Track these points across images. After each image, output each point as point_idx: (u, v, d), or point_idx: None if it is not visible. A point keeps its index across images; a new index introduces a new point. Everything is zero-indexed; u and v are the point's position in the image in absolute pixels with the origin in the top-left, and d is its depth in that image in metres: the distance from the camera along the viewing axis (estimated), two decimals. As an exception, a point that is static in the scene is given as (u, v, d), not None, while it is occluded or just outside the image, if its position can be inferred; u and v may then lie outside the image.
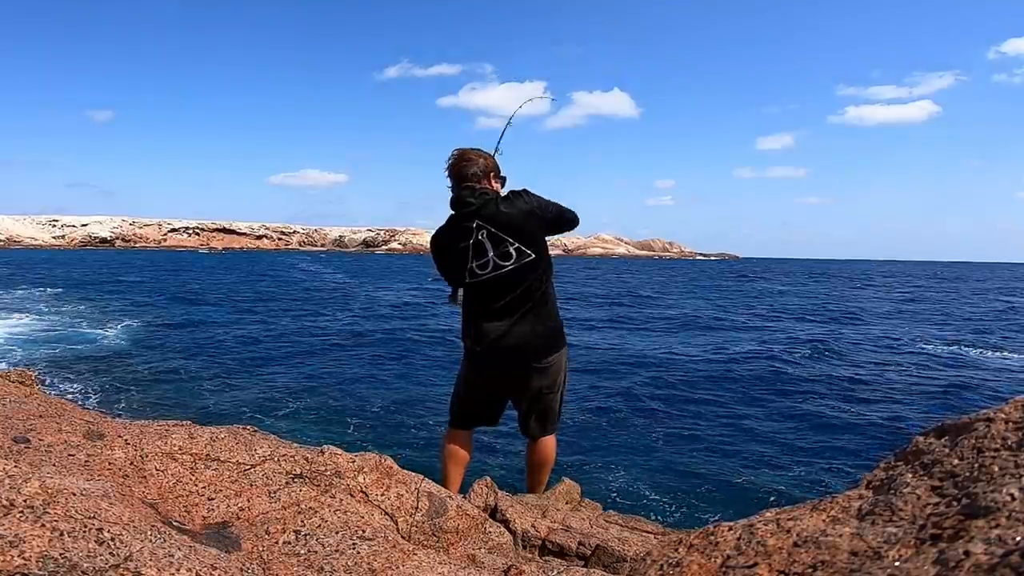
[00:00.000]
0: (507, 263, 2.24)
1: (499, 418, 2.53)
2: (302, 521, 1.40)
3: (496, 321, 2.27)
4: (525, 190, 2.34)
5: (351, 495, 1.59)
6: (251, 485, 1.49)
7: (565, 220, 2.39)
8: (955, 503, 0.71)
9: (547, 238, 2.36)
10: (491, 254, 2.24)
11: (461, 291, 2.36)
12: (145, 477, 1.41)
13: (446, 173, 2.36)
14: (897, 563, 0.66)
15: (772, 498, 4.69)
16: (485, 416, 2.49)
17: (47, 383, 7.38)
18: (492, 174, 2.36)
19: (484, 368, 2.37)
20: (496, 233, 2.24)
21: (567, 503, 2.37)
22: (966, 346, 13.17)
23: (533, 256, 2.27)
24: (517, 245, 2.24)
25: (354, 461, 1.71)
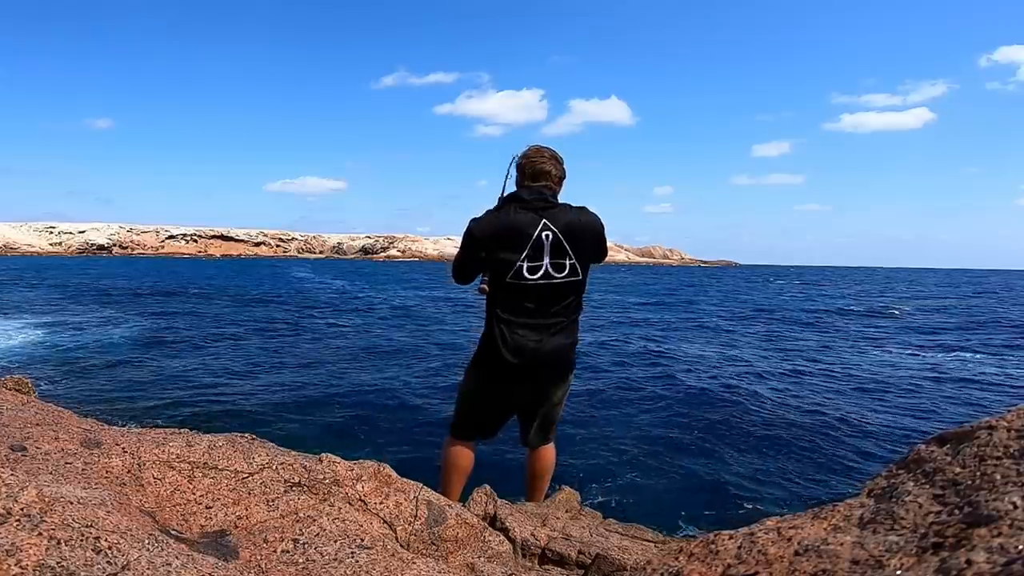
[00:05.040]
0: (559, 275, 2.13)
1: (498, 432, 2.44)
2: (300, 530, 1.39)
3: (533, 332, 2.15)
4: (590, 210, 2.23)
5: (350, 503, 1.58)
6: (249, 493, 1.48)
7: (603, 252, 2.29)
8: (957, 511, 0.71)
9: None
10: (547, 260, 2.10)
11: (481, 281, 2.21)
12: (143, 485, 1.40)
13: (517, 164, 2.22)
14: (899, 572, 0.66)
15: (773, 506, 4.67)
16: (489, 429, 2.40)
17: (44, 390, 7.35)
18: (563, 181, 2.26)
19: (509, 382, 2.23)
20: (560, 241, 2.11)
21: (567, 511, 2.36)
22: (968, 353, 13.18)
23: (580, 278, 2.18)
24: (574, 261, 2.13)
25: (352, 469, 1.71)
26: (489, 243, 2.12)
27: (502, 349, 2.17)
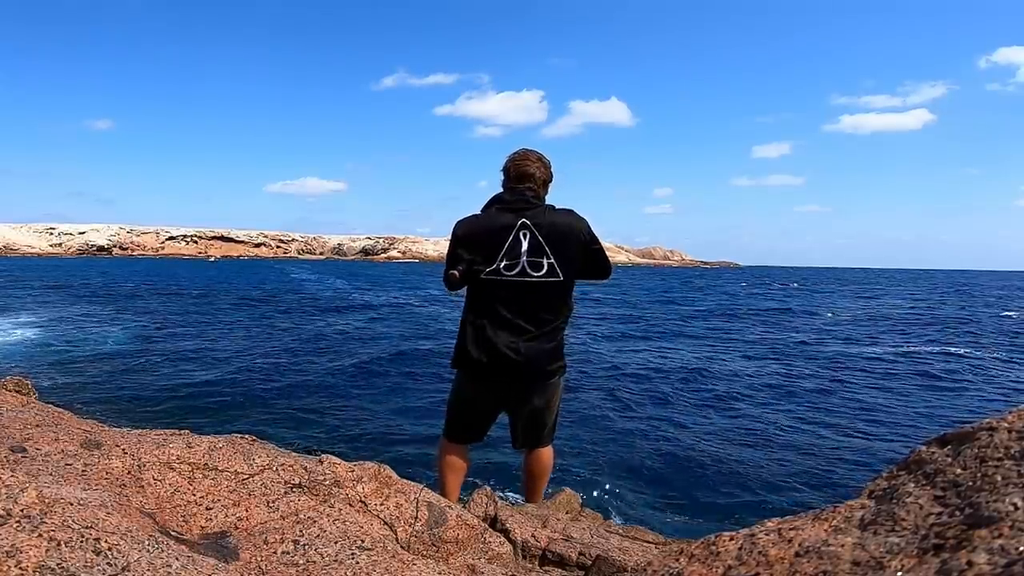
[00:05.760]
0: (536, 273, 2.12)
1: (486, 434, 2.43)
2: (301, 531, 1.39)
3: (508, 333, 2.13)
4: (577, 213, 2.23)
5: (350, 505, 1.58)
6: (249, 495, 1.48)
7: (602, 265, 2.26)
8: (958, 513, 0.71)
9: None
10: (523, 258, 2.11)
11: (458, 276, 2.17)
12: (143, 486, 1.40)
13: (503, 167, 2.26)
14: (899, 573, 0.66)
15: (773, 508, 4.66)
16: (478, 431, 2.39)
17: (44, 391, 7.34)
18: (548, 184, 2.27)
19: (486, 381, 2.24)
20: (538, 239, 2.12)
21: (567, 513, 2.36)
22: (967, 354, 13.17)
23: (562, 279, 2.15)
24: (552, 261, 2.12)
25: (353, 470, 1.71)
26: (469, 242, 2.16)
27: (473, 348, 2.18)
